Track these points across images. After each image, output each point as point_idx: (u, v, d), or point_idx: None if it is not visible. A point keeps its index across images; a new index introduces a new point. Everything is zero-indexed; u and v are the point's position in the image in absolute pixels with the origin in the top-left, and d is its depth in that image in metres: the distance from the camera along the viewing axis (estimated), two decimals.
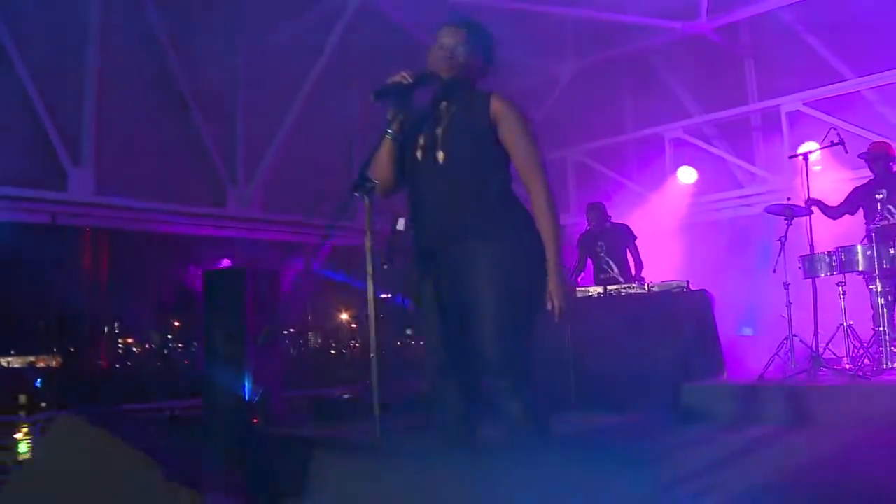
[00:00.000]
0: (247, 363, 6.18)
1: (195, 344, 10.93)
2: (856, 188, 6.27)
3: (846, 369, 5.54)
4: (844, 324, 5.75)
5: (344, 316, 13.38)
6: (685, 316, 6.28)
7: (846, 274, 5.80)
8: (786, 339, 5.91)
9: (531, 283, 2.61)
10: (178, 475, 2.03)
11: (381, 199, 2.91)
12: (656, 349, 6.25)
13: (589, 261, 7.34)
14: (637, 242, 7.27)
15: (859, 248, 5.73)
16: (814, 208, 6.15)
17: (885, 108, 8.02)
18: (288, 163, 8.89)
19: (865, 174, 6.42)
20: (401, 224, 5.73)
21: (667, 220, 8.87)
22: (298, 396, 7.62)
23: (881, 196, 5.89)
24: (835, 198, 6.40)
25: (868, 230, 5.87)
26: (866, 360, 5.61)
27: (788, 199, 6.21)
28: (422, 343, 2.84)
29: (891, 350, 5.59)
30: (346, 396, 7.15)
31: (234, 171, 8.78)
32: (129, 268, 9.57)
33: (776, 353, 5.89)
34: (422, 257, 2.74)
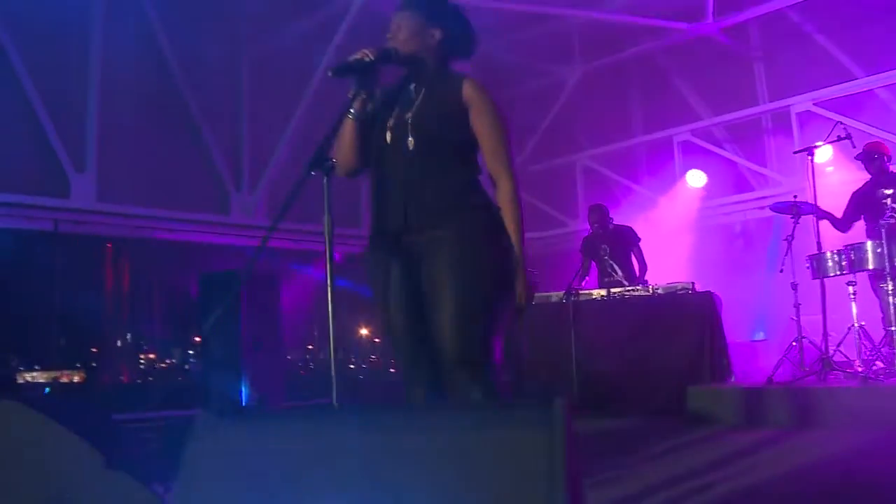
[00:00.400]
0: (243, 368, 6.09)
1: None
2: (854, 193, 6.10)
3: (857, 372, 5.35)
4: (855, 325, 5.57)
5: (364, 331, 13.32)
6: (690, 318, 6.12)
7: (856, 273, 5.63)
8: (795, 341, 5.74)
9: (495, 273, 2.49)
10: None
11: (343, 180, 2.82)
12: (661, 352, 6.12)
13: (593, 264, 7.20)
14: (641, 244, 7.12)
15: (869, 245, 5.56)
16: (823, 222, 5.98)
17: None
18: (293, 169, 8.83)
19: None
20: None
21: (676, 224, 8.73)
22: (302, 405, 7.55)
23: (890, 192, 5.72)
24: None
25: (874, 229, 5.69)
26: (878, 363, 5.42)
27: (795, 196, 6.05)
28: (383, 334, 2.72)
29: None
30: None
31: (238, 178, 8.75)
32: (142, 278, 9.54)
33: (785, 356, 5.72)
34: (382, 243, 2.63)
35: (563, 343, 6.41)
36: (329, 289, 2.39)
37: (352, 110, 2.63)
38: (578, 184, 10.10)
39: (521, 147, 10.55)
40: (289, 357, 7.12)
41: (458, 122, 2.58)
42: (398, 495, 1.28)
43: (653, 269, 7.24)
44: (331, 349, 2.31)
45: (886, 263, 5.43)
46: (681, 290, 6.26)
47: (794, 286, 5.81)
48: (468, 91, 2.58)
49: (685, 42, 8.91)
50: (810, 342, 5.66)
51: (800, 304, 5.79)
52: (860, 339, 5.56)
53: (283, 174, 8.73)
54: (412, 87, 2.68)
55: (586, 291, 6.64)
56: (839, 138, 5.88)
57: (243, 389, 6.09)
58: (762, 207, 8.55)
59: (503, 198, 2.58)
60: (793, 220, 5.97)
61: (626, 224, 7.39)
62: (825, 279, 5.74)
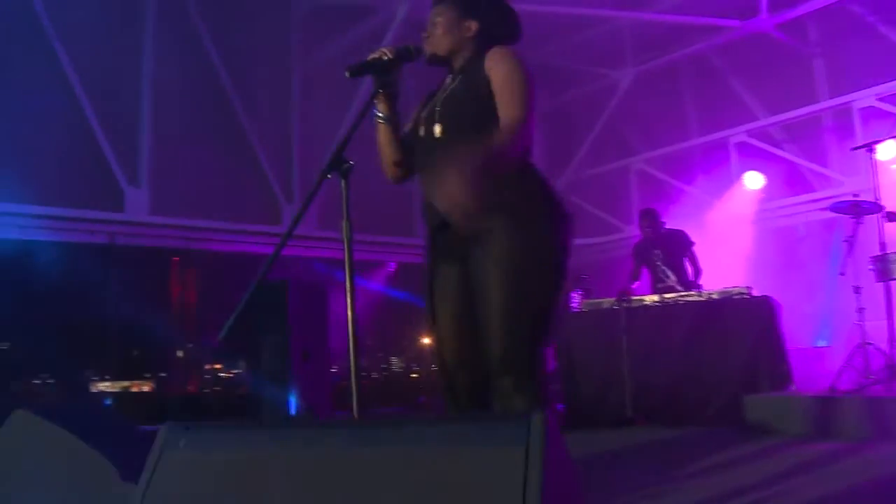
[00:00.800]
0: (292, 379, 6.09)
1: None
2: None
3: None
4: None
5: (427, 340, 13.30)
6: (747, 324, 5.89)
7: None
8: (859, 347, 5.47)
9: (547, 271, 2.33)
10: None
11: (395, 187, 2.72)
12: (717, 359, 5.90)
13: (645, 269, 7.02)
14: (695, 248, 6.91)
15: None
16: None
17: None
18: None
19: None
20: None
21: (733, 227, 8.47)
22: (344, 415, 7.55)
23: None
24: None
25: None
26: None
27: (855, 195, 5.79)
28: (433, 333, 2.57)
29: None
30: None
31: (288, 189, 8.81)
32: (199, 289, 9.69)
33: (848, 363, 5.45)
34: (430, 241, 2.54)
35: (616, 350, 6.25)
36: (349, 296, 2.32)
37: (379, 113, 2.54)
38: (633, 188, 9.91)
39: (573, 152, 10.41)
40: (334, 369, 7.09)
41: (486, 100, 2.38)
42: None
43: (709, 274, 7.02)
44: (351, 360, 2.24)
45: None
46: (737, 294, 6.04)
47: (857, 290, 5.55)
48: (488, 58, 2.41)
49: (739, 40, 8.67)
50: (876, 348, 5.40)
51: (863, 309, 5.53)
52: None
53: (333, 184, 8.74)
54: (448, 79, 2.58)
55: (639, 298, 6.46)
56: None
57: (292, 401, 6.09)
58: (823, 209, 8.25)
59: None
60: (854, 220, 5.71)
61: (680, 228, 7.20)
62: (890, 282, 5.47)
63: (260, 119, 8.52)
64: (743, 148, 8.77)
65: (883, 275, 5.50)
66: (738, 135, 8.79)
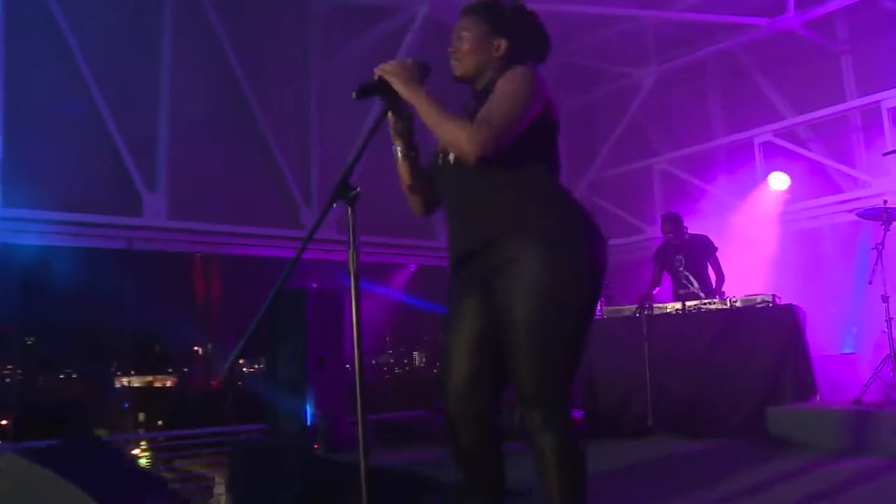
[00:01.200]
0: (309, 387, 6.05)
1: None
2: None
3: None
4: None
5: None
6: (771, 333, 5.77)
7: None
8: (887, 357, 5.33)
9: (576, 302, 2.22)
10: None
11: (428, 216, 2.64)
12: (739, 369, 5.79)
13: (666, 275, 6.90)
14: (718, 254, 6.78)
15: None
16: None
17: None
18: (361, 183, 8.79)
19: None
20: None
21: (757, 228, 8.30)
22: (371, 420, 7.50)
23: None
24: None
25: None
26: None
27: (885, 201, 5.62)
28: (445, 356, 2.48)
29: None
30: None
31: (307, 192, 8.76)
32: (220, 291, 9.72)
33: (875, 374, 5.32)
34: (453, 267, 2.44)
35: (637, 359, 6.16)
36: (355, 319, 2.25)
37: (396, 147, 2.44)
38: (656, 189, 9.76)
39: (596, 151, 10.27)
40: (348, 365, 7.03)
41: None
42: None
43: (732, 276, 6.89)
44: (357, 368, 2.17)
45: None
46: (760, 302, 5.92)
47: (885, 299, 5.40)
48: (503, 76, 2.31)
49: (765, 38, 8.48)
50: None
51: (892, 319, 5.38)
52: None
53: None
54: (471, 104, 2.46)
55: (660, 305, 6.36)
56: None
57: (308, 409, 6.05)
58: (850, 211, 8.06)
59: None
60: (883, 227, 5.56)
61: (703, 231, 7.08)
62: None
63: (278, 122, 8.47)
64: (768, 148, 8.58)
65: None
66: (763, 134, 8.59)
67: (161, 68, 7.71)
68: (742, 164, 8.80)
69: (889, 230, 5.56)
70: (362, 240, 7.99)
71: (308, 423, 6.02)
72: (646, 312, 6.21)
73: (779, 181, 8.34)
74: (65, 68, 7.13)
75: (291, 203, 8.60)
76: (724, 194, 8.89)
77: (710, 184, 9.15)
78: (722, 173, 9.19)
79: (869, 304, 6.23)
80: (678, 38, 9.22)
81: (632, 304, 6.50)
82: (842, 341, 7.41)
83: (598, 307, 6.53)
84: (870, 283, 5.46)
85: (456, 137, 2.21)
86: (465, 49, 2.44)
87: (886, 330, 5.35)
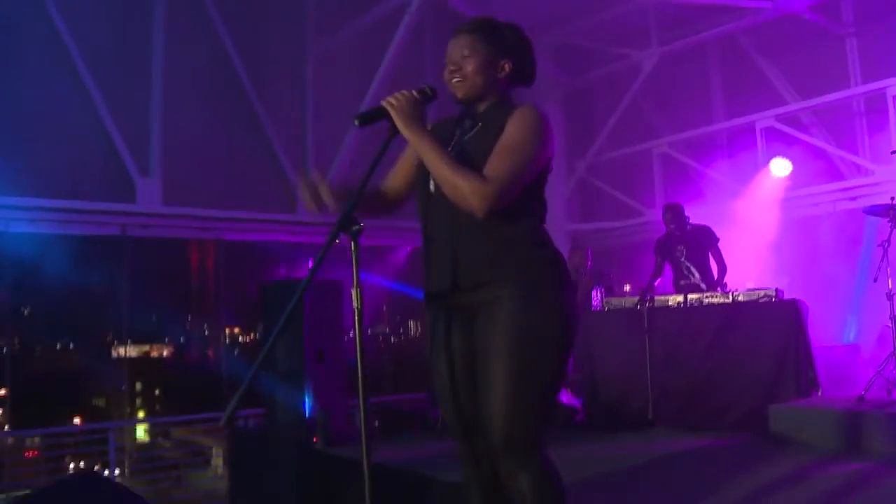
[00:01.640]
0: (307, 380, 5.99)
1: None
2: None
3: None
4: None
5: None
6: (773, 328, 5.70)
7: None
8: (891, 355, 5.29)
9: (556, 345, 2.21)
10: None
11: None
12: (741, 364, 5.73)
13: (667, 265, 6.84)
14: (720, 245, 6.72)
15: None
16: None
17: None
18: (359, 165, 8.70)
19: None
20: None
21: (758, 214, 8.23)
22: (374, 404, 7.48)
23: None
24: None
25: None
26: None
27: (893, 198, 5.54)
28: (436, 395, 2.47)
29: None
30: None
31: (304, 175, 8.64)
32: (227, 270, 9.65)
33: (879, 372, 5.28)
34: (430, 301, 2.39)
35: (638, 352, 6.10)
36: (358, 349, 2.18)
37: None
38: (655, 172, 9.65)
39: (595, 133, 10.15)
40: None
41: None
42: None
43: (732, 262, 6.83)
44: (360, 379, 2.11)
45: None
46: (763, 297, 5.85)
47: (891, 296, 5.34)
48: (515, 115, 2.26)
49: (769, 21, 8.35)
50: None
51: None
52: None
53: (351, 170, 8.59)
54: (467, 123, 2.40)
55: (662, 297, 6.29)
56: None
57: (307, 401, 6.00)
58: (853, 198, 8.00)
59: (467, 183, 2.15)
60: (890, 223, 5.48)
61: (703, 216, 7.03)
62: None
63: (274, 104, 8.34)
64: (770, 133, 8.48)
65: None
66: (765, 119, 8.49)
67: (153, 51, 7.57)
68: (743, 149, 8.70)
69: None
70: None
71: (306, 416, 5.97)
72: (647, 305, 6.14)
73: (780, 167, 8.25)
74: (55, 53, 7.00)
75: (287, 187, 8.49)
76: (725, 179, 8.80)
77: (710, 168, 9.06)
78: (723, 158, 9.11)
79: (870, 293, 6.19)
80: (679, 20, 9.07)
81: (632, 290, 6.46)
82: (842, 330, 7.38)
83: (598, 300, 6.51)
84: (875, 280, 5.39)
85: (462, 192, 2.16)
86: (471, 70, 2.35)
87: (891, 326, 5.29)
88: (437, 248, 2.33)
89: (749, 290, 6.00)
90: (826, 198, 8.22)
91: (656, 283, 6.70)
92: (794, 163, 8.19)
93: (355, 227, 2.15)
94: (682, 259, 6.64)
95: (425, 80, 9.38)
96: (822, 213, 8.27)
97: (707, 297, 6.10)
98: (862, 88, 7.99)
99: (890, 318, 5.30)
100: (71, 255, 7.31)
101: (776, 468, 4.47)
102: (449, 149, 2.30)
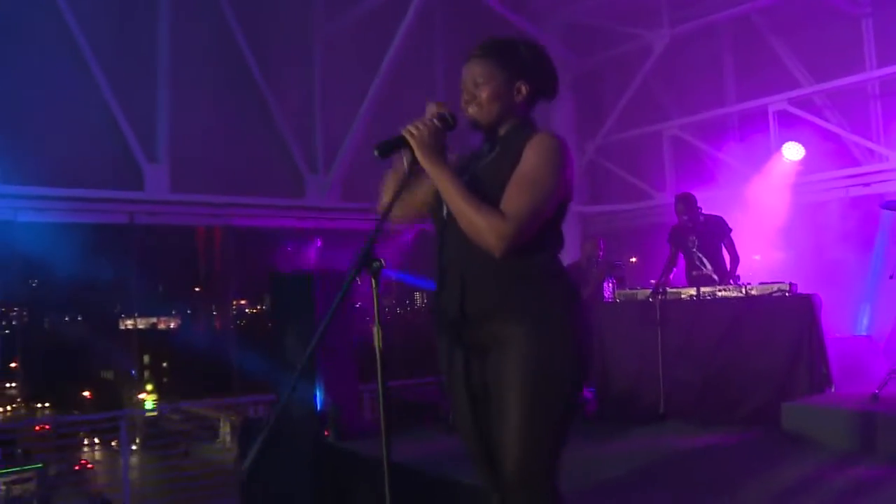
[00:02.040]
0: (318, 374, 5.99)
1: None
2: None
3: None
4: None
5: None
6: (787, 323, 5.67)
7: None
8: None
9: (570, 383, 2.18)
10: None
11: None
12: (754, 358, 5.71)
13: (680, 255, 6.79)
14: (732, 235, 6.67)
15: None
16: None
17: None
18: (367, 149, 8.60)
19: None
20: None
21: (769, 199, 8.15)
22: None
23: None
24: None
25: None
26: None
27: None
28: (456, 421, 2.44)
29: None
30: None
31: (312, 160, 8.58)
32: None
33: (893, 370, 5.25)
34: (442, 330, 2.35)
35: (650, 344, 6.08)
36: (380, 389, 2.15)
37: (406, 161, 2.28)
38: (665, 154, 9.56)
39: (605, 115, 10.04)
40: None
41: None
42: None
43: (743, 247, 6.78)
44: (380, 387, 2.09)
45: None
46: (776, 292, 5.81)
47: None
48: (532, 143, 2.19)
49: (783, 1, 8.20)
50: None
51: None
52: None
53: (358, 154, 8.52)
54: (486, 147, 2.36)
55: (675, 290, 6.25)
56: None
57: (318, 395, 6.00)
58: (867, 184, 7.93)
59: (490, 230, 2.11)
60: None
61: (713, 200, 7.00)
62: None
63: (281, 88, 8.25)
64: (783, 116, 8.37)
65: None
66: (778, 102, 8.37)
67: (160, 37, 7.46)
68: (755, 132, 8.60)
69: None
70: (363, 207, 7.85)
71: (318, 409, 5.98)
72: (660, 298, 6.11)
73: (793, 151, 8.16)
74: (61, 40, 6.92)
75: (296, 171, 8.43)
76: (736, 163, 8.71)
77: (721, 151, 8.96)
78: (734, 141, 9.01)
79: (884, 282, 6.13)
80: (691, 0, 8.92)
81: (641, 277, 6.41)
82: (854, 320, 7.35)
83: (611, 291, 6.48)
84: (891, 277, 5.35)
85: (480, 229, 2.12)
86: (486, 97, 2.30)
87: None
88: (448, 275, 2.29)
89: (762, 283, 5.95)
90: (839, 183, 8.13)
91: (671, 276, 6.67)
92: (806, 147, 8.10)
93: (376, 264, 2.11)
94: (694, 250, 6.60)
95: (435, 59, 9.29)
96: (835, 199, 8.19)
97: (720, 290, 6.06)
98: (878, 72, 7.86)
99: None
100: (81, 242, 7.29)
101: (789, 469, 4.47)
102: (465, 175, 2.25)
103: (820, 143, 8.14)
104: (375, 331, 2.17)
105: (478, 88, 2.30)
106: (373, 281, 2.14)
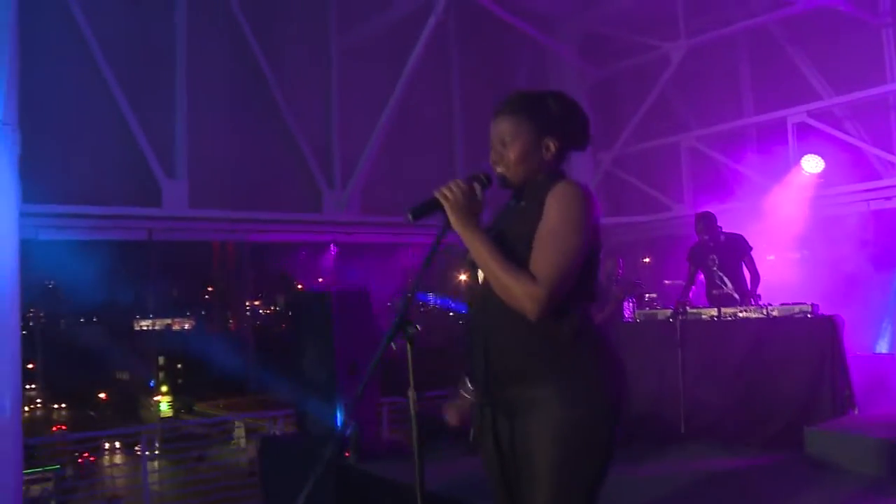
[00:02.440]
0: (338, 393, 5.98)
1: None
2: None
3: None
4: None
5: None
6: (809, 344, 5.63)
7: None
8: None
9: (600, 448, 2.15)
10: None
11: None
12: (775, 380, 5.68)
13: (700, 274, 6.77)
14: (753, 253, 6.63)
15: None
16: None
17: None
18: (384, 162, 8.61)
19: None
20: None
21: (788, 212, 8.09)
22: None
23: None
24: None
25: None
26: None
27: None
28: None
29: None
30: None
31: (330, 175, 8.58)
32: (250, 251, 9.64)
33: None
34: (476, 388, 2.34)
35: (670, 364, 6.07)
36: (418, 475, 2.15)
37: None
38: (683, 165, 9.51)
39: (622, 126, 9.99)
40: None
41: None
42: None
43: (762, 261, 6.75)
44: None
45: None
46: (798, 313, 5.77)
47: None
48: (552, 194, 2.17)
49: (803, 12, 8.12)
50: None
51: None
52: None
53: (375, 168, 8.51)
54: (513, 201, 2.35)
55: (695, 310, 6.22)
56: None
57: (338, 415, 6.00)
58: (889, 197, 7.86)
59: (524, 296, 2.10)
60: None
61: (732, 212, 6.96)
62: None
63: (298, 103, 8.24)
64: (802, 128, 8.30)
65: None
66: (797, 114, 8.30)
67: (177, 52, 7.48)
68: (774, 144, 8.54)
69: None
70: (380, 221, 7.87)
71: (338, 430, 5.97)
72: (680, 318, 6.08)
73: (812, 164, 8.09)
74: (79, 56, 6.93)
75: (313, 186, 8.43)
76: (755, 175, 8.66)
77: (740, 163, 8.91)
78: (752, 152, 8.95)
79: None
80: (709, 10, 8.87)
81: (660, 291, 6.39)
82: (874, 338, 7.29)
83: (631, 311, 6.45)
84: None
85: (514, 294, 2.11)
86: (514, 159, 2.28)
87: None
88: (473, 337, 2.29)
89: (784, 304, 5.92)
90: (859, 196, 8.07)
91: (690, 294, 6.64)
92: (826, 159, 8.03)
93: (411, 329, 2.11)
94: (715, 269, 6.57)
95: (452, 74, 9.26)
96: (855, 212, 8.12)
97: (741, 311, 6.03)
98: None
99: None
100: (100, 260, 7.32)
101: (813, 494, 4.46)
102: (493, 231, 2.24)
103: (840, 156, 8.07)
104: (410, 394, 2.17)
105: (505, 148, 2.28)
106: (408, 346, 2.14)
